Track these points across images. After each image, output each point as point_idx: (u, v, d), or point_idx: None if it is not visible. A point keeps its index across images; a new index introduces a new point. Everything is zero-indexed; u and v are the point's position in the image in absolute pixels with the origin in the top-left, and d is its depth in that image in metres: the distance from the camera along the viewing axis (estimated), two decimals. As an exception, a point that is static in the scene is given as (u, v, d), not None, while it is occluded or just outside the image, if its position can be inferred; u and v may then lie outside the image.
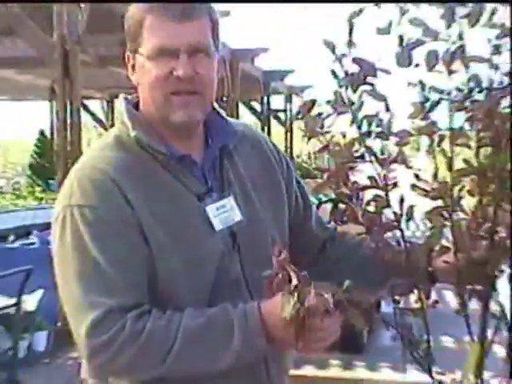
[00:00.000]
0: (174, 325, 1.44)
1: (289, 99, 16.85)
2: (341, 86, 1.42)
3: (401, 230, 1.47)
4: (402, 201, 1.46)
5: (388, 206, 1.46)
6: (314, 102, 1.46)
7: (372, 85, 1.42)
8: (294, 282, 1.35)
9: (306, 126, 1.47)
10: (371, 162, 1.45)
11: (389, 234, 1.49)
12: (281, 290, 1.37)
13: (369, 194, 1.48)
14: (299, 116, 1.48)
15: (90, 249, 1.47)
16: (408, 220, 1.47)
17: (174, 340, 1.43)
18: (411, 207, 1.46)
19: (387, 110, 1.42)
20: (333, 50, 1.42)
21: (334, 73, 1.43)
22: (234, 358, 1.45)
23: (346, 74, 1.42)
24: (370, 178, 1.46)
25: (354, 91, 1.42)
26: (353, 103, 1.43)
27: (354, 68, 1.42)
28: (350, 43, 1.41)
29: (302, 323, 1.37)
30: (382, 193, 1.46)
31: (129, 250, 1.48)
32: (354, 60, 1.41)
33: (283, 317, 1.35)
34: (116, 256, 1.47)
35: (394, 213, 1.47)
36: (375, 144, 1.45)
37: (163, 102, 1.55)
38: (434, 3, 1.38)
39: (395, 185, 1.45)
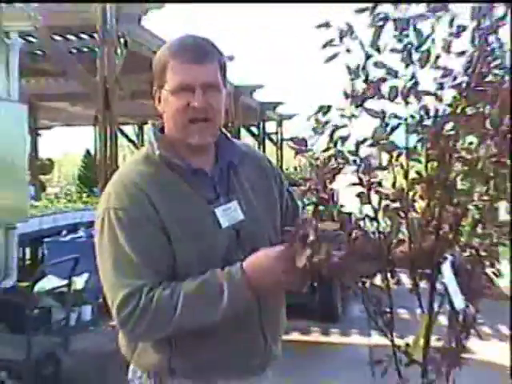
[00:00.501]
0: (175, 292, 1.45)
1: (279, 124, 16.84)
2: (351, 103, 1.42)
3: (377, 222, 1.47)
4: (380, 199, 1.45)
5: (369, 202, 1.46)
6: (329, 107, 1.45)
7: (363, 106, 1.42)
8: (312, 237, 1.35)
9: (295, 144, 1.47)
10: (358, 169, 1.45)
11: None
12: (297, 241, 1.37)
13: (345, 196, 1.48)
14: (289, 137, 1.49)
15: (122, 243, 1.47)
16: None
17: (176, 304, 1.44)
18: (387, 206, 1.45)
19: (381, 125, 1.42)
20: (349, 72, 1.42)
21: (345, 93, 1.43)
22: (227, 310, 1.45)
23: (353, 94, 1.42)
24: (359, 179, 1.46)
25: (357, 107, 1.42)
26: (354, 116, 1.43)
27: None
28: (364, 68, 1.41)
29: (307, 271, 1.36)
30: (365, 191, 1.46)
31: (152, 244, 1.48)
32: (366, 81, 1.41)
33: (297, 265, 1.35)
34: (142, 249, 1.47)
35: (374, 208, 1.46)
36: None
37: (183, 128, 1.55)
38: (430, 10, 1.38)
39: (380, 184, 1.45)
